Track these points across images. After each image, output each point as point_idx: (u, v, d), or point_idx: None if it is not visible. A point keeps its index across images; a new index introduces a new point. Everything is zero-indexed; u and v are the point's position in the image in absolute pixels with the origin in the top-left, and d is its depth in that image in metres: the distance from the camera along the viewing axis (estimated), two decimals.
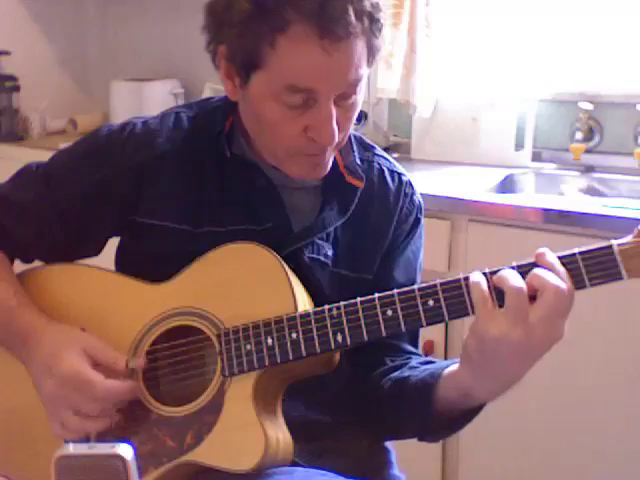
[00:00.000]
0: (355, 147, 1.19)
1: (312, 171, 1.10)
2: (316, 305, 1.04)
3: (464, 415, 1.06)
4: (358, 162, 1.17)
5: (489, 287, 0.93)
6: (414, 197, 1.22)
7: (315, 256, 1.13)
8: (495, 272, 0.94)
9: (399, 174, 1.22)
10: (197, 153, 1.14)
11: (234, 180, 1.13)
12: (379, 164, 1.21)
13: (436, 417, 1.07)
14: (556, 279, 0.91)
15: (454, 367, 1.03)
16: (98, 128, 1.19)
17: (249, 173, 1.13)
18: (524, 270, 0.94)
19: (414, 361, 1.15)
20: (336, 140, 1.04)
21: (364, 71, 1.03)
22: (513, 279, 0.92)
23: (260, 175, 1.13)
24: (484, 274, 0.95)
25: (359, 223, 1.16)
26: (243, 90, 1.05)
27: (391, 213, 1.19)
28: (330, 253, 1.14)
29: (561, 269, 0.92)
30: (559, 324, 0.92)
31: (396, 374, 1.13)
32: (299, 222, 1.14)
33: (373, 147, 1.24)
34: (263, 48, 0.98)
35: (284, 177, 1.13)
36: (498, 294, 0.93)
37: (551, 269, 0.92)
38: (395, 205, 1.19)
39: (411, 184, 1.23)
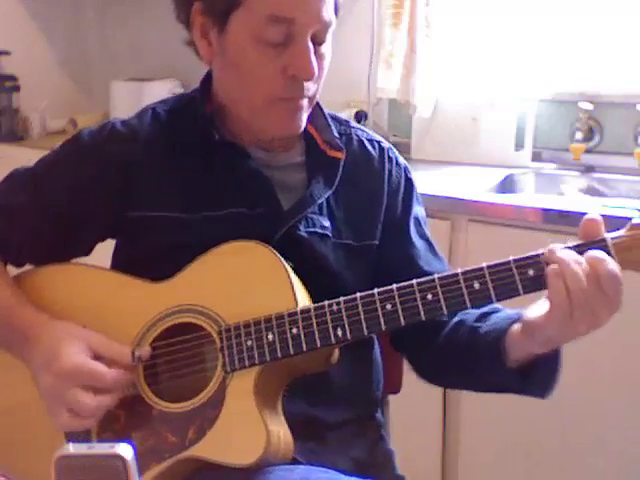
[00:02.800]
0: (331, 122, 1.22)
1: (289, 122, 1.11)
2: (328, 283, 1.05)
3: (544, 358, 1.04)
4: (336, 135, 1.20)
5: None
6: (399, 160, 1.25)
7: (312, 229, 1.14)
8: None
9: (378, 142, 1.26)
10: (181, 143, 1.16)
11: (222, 164, 1.14)
12: (357, 135, 1.24)
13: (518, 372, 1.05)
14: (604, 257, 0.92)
15: (515, 329, 1.02)
16: (78, 131, 1.20)
17: (235, 155, 1.14)
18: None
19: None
20: (315, 74, 1.06)
21: (333, 18, 1.08)
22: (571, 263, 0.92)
23: (246, 157, 1.14)
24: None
25: (350, 194, 1.19)
26: (220, 42, 1.08)
27: (380, 178, 1.22)
28: (327, 224, 1.15)
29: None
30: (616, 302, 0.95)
31: (472, 324, 1.11)
32: (288, 200, 1.15)
33: (347, 121, 1.27)
34: None
35: (269, 156, 1.15)
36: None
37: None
38: (382, 170, 1.22)
39: (392, 149, 1.26)
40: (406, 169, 1.25)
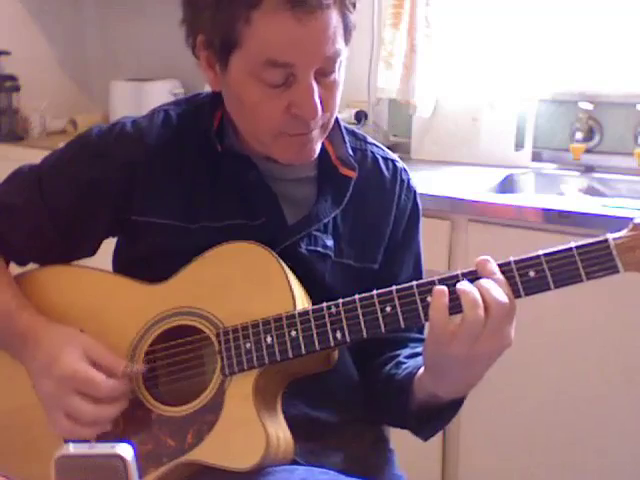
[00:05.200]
0: (347, 138, 1.20)
1: (300, 153, 1.09)
2: (320, 299, 1.04)
3: (447, 407, 1.07)
4: (350, 152, 1.18)
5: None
6: (410, 183, 1.24)
7: (313, 248, 1.13)
8: (453, 277, 0.96)
9: (393, 161, 1.24)
10: (188, 149, 1.15)
11: (227, 174, 1.13)
12: (372, 152, 1.22)
13: (416, 415, 1.09)
14: (500, 293, 0.93)
15: (420, 371, 1.06)
16: (88, 129, 1.19)
17: (241, 166, 1.13)
18: (470, 279, 0.95)
19: (404, 354, 1.17)
20: (319, 114, 1.03)
21: (341, 47, 1.02)
22: (474, 305, 0.92)
23: (252, 168, 1.13)
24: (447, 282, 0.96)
25: (358, 212, 1.17)
26: (224, 76, 1.06)
27: (389, 200, 1.20)
28: (330, 244, 1.15)
29: (501, 278, 0.94)
30: (505, 334, 0.95)
31: (387, 369, 1.16)
32: (294, 214, 1.14)
33: (365, 137, 1.25)
34: (239, 26, 0.99)
35: (277, 169, 1.13)
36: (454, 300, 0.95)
37: (493, 279, 0.94)
38: (392, 192, 1.21)
39: (405, 170, 1.24)
40: (415, 194, 1.24)
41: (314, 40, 0.99)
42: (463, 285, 0.94)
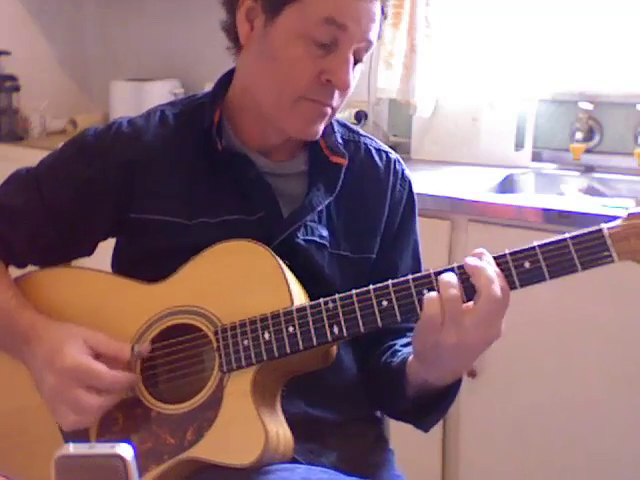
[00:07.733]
0: (337, 128, 1.22)
1: (310, 125, 1.11)
2: (320, 292, 1.04)
3: (440, 395, 1.07)
4: (340, 141, 1.20)
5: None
6: (405, 173, 1.25)
7: (309, 237, 1.14)
8: (440, 273, 0.97)
9: (386, 152, 1.25)
10: (186, 148, 1.15)
11: (224, 172, 1.14)
12: (365, 144, 1.24)
13: (412, 402, 1.09)
14: (491, 284, 0.93)
15: (410, 357, 1.07)
16: (84, 130, 1.20)
17: (239, 164, 1.14)
18: (463, 272, 0.96)
19: (400, 342, 1.18)
20: (350, 85, 1.08)
21: (375, 40, 1.09)
22: (448, 286, 0.94)
23: (250, 165, 1.14)
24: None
25: (351, 203, 1.19)
26: (265, 29, 1.07)
27: (383, 190, 1.22)
28: (325, 234, 1.16)
29: (496, 270, 0.94)
30: (494, 325, 0.95)
31: (384, 358, 1.17)
32: (289, 208, 1.15)
33: (357, 130, 1.27)
34: None
35: (272, 165, 1.16)
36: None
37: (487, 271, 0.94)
38: (386, 182, 1.22)
39: (399, 161, 1.26)
40: (410, 184, 1.25)
41: (368, 17, 1.06)
42: (443, 279, 0.95)
